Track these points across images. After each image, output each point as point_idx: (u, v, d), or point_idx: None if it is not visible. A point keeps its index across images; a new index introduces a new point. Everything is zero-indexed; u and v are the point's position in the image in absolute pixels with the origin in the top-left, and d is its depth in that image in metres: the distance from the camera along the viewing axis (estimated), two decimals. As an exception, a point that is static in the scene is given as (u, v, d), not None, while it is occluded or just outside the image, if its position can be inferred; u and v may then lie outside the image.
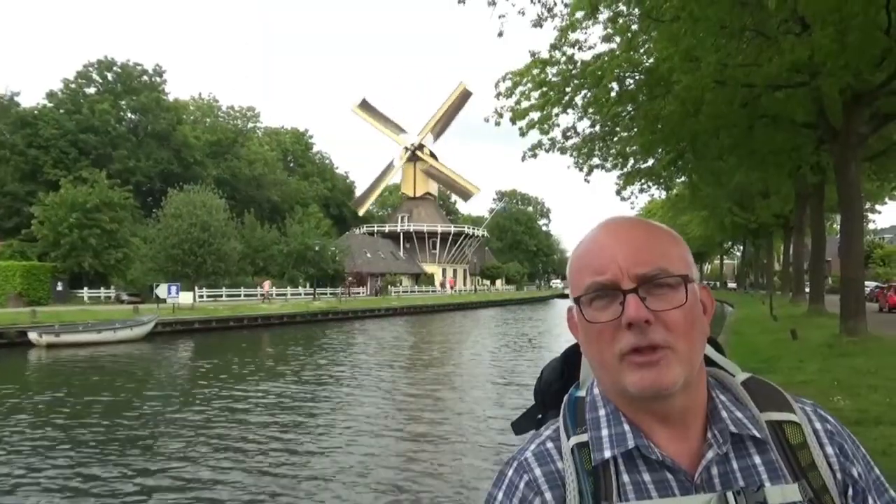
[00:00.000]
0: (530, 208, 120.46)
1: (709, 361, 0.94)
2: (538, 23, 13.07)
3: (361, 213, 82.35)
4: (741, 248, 77.69)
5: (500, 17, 11.77)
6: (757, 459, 0.82)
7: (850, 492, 0.83)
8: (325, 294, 54.25)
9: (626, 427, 0.83)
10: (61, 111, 56.77)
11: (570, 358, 1.01)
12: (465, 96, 76.76)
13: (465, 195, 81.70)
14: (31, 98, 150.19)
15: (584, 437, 0.85)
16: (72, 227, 39.11)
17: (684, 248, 0.88)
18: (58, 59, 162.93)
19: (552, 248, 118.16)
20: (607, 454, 0.82)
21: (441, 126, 78.83)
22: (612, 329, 0.81)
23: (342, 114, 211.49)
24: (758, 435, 0.83)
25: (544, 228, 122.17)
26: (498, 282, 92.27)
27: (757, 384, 0.91)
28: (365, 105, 77.90)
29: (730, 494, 0.79)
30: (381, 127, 78.42)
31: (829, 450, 0.85)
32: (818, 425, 0.87)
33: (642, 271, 0.81)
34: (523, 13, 11.77)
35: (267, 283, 49.07)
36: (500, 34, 12.31)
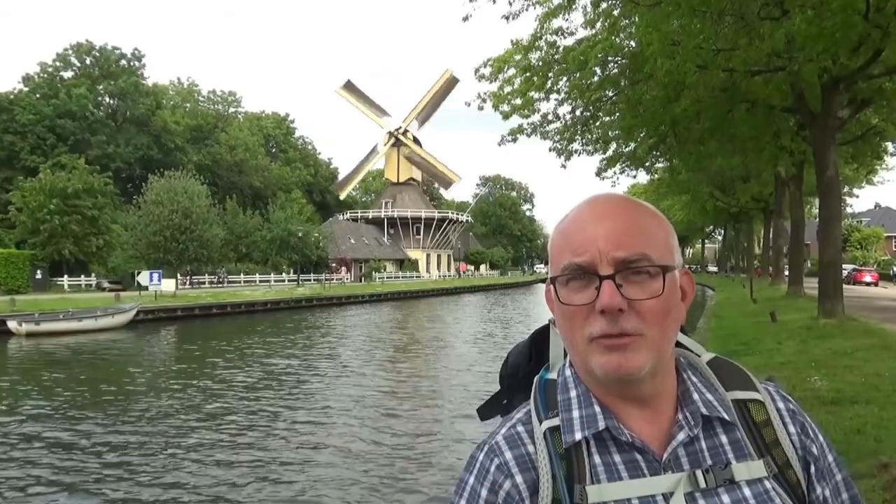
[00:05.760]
0: (514, 193, 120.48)
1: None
2: (511, 15, 12.84)
3: (343, 196, 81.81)
4: (722, 232, 78.48)
5: (469, 0, 11.51)
6: (724, 438, 0.83)
7: (813, 468, 0.85)
8: (309, 280, 54.06)
9: (597, 408, 0.83)
10: (37, 96, 55.75)
11: (538, 341, 1.00)
12: (451, 83, 76.12)
13: (446, 183, 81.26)
14: (7, 83, 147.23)
15: (556, 421, 0.84)
16: (52, 214, 38.48)
17: (669, 233, 0.86)
18: (34, 43, 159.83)
19: (536, 232, 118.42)
20: (578, 436, 0.82)
21: (427, 112, 78.23)
22: (586, 312, 0.80)
23: (325, 99, 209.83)
24: (727, 417, 0.83)
25: (528, 213, 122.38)
26: (482, 267, 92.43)
27: (721, 364, 0.91)
28: (349, 86, 77.07)
29: (699, 473, 0.80)
30: (366, 110, 77.69)
31: (792, 428, 0.87)
32: (780, 405, 0.88)
33: (622, 255, 0.79)
34: (494, 1, 11.57)
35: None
36: (466, 18, 12.15)
